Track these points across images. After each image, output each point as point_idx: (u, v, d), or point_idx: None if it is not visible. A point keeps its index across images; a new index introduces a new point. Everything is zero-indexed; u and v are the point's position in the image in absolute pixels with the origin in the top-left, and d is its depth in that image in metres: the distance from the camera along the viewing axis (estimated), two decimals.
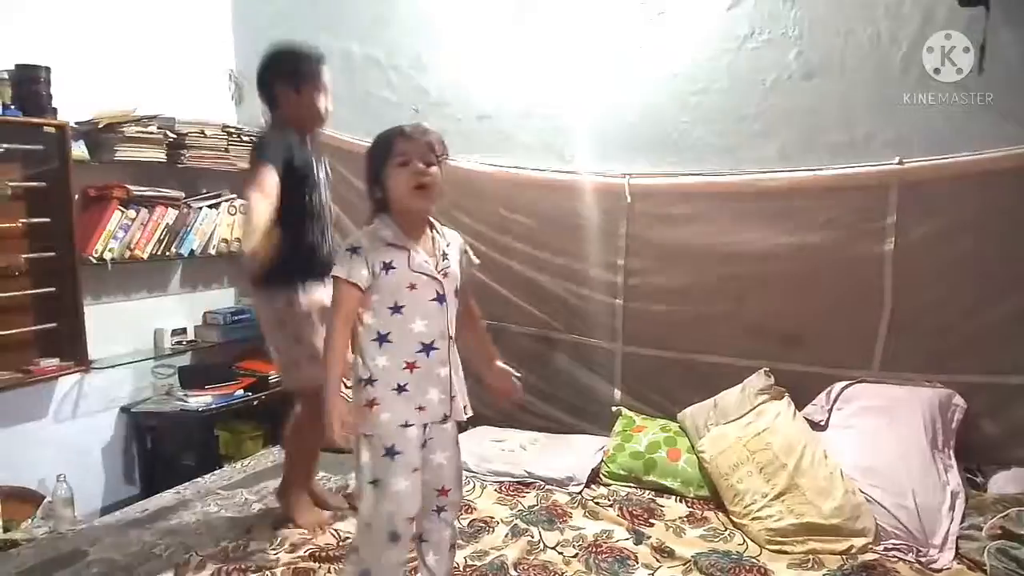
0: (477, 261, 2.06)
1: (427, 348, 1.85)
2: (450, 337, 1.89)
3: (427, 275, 1.86)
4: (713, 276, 3.06)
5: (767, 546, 2.43)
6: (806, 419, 2.81)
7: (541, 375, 3.36)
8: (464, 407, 1.95)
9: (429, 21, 3.50)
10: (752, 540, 2.48)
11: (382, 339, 1.84)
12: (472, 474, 2.94)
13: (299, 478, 2.68)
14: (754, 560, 2.35)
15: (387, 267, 1.82)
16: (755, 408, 2.81)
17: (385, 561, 1.88)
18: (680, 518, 2.65)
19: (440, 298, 1.87)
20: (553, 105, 3.30)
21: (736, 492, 2.62)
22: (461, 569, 2.29)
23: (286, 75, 2.44)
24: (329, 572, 2.29)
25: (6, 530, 2.66)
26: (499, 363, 2.11)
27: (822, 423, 2.81)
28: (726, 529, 2.57)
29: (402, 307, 1.83)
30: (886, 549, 2.36)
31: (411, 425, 1.85)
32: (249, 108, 3.85)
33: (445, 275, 1.88)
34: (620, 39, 3.15)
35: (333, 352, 1.84)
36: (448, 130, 3.35)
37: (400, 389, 1.84)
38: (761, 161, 2.95)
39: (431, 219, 1.95)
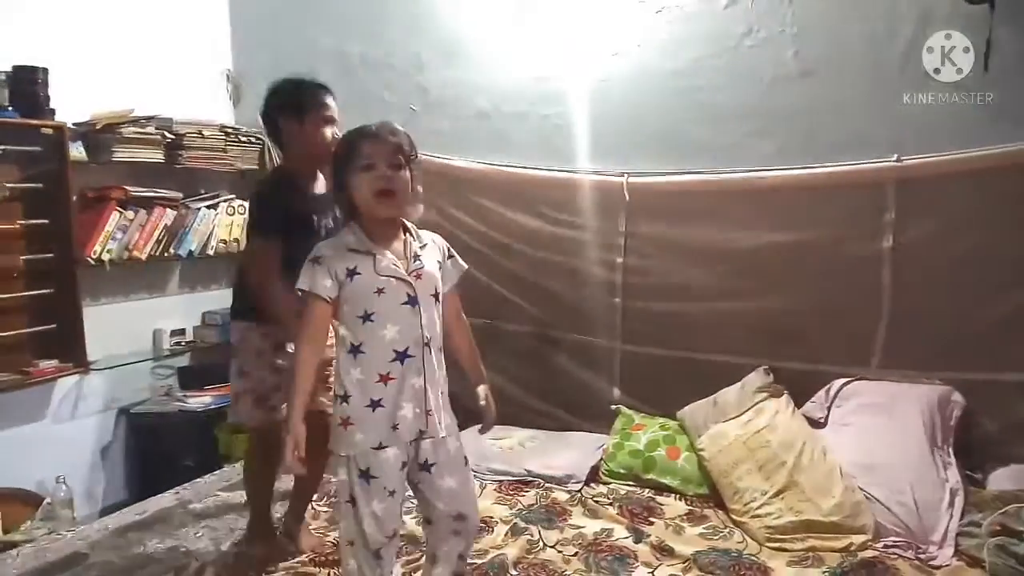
0: (465, 266, 1.97)
1: (401, 356, 1.75)
2: (426, 344, 1.78)
3: (396, 278, 1.76)
4: (712, 274, 3.07)
5: (766, 544, 2.43)
6: (805, 417, 2.81)
7: (540, 373, 3.37)
8: (441, 424, 1.83)
9: (427, 20, 3.49)
10: (752, 538, 2.48)
11: (355, 351, 1.75)
12: (471, 472, 2.94)
13: (260, 516, 2.50)
14: (754, 558, 2.35)
15: (351, 273, 1.74)
16: (754, 406, 2.81)
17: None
18: (680, 516, 2.65)
19: (412, 300, 1.76)
20: (552, 104, 3.30)
21: (735, 490, 2.62)
22: None
23: (288, 106, 2.32)
24: None
25: (5, 532, 2.66)
26: (481, 389, 1.99)
27: (821, 420, 2.81)
28: (725, 527, 2.57)
29: (372, 314, 1.74)
30: (885, 546, 2.36)
31: (386, 447, 1.77)
32: (247, 108, 3.85)
33: (418, 276, 1.79)
34: (619, 37, 3.15)
35: (298, 371, 1.76)
36: (446, 129, 3.42)
37: (375, 405, 1.75)
38: (759, 159, 2.95)
39: (405, 222, 1.86)
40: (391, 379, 1.75)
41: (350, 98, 3.47)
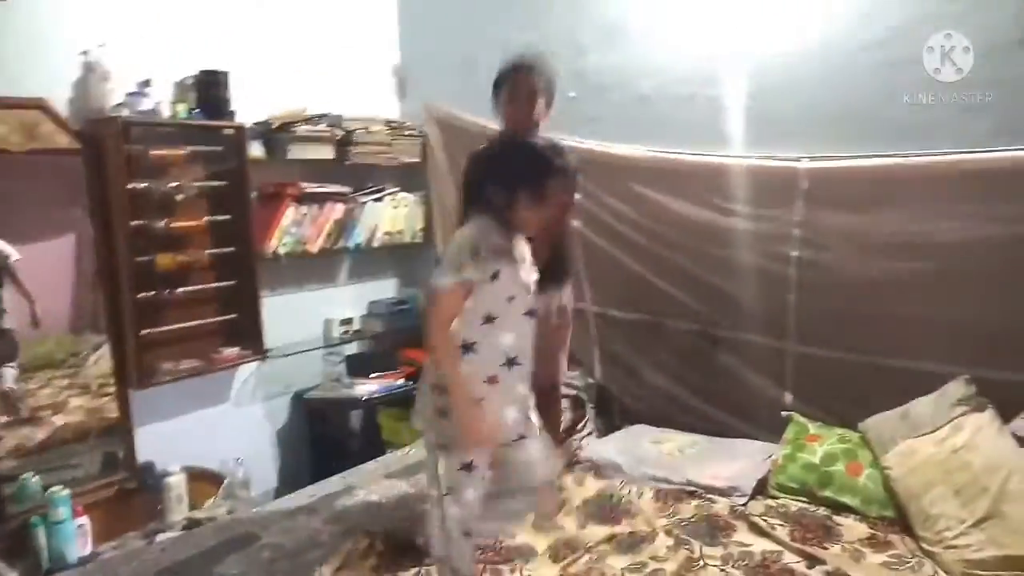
0: None
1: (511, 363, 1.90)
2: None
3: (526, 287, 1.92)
4: (905, 270, 2.74)
5: None
6: (1014, 435, 2.45)
7: (703, 373, 3.19)
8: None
9: (589, 2, 3.38)
10: (944, 571, 2.20)
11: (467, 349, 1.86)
12: (627, 476, 2.84)
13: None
14: None
15: (495, 276, 1.84)
16: (952, 421, 2.49)
17: (463, 554, 1.97)
18: (860, 540, 2.39)
19: (532, 312, 1.92)
20: (721, 84, 3.08)
21: (927, 516, 2.34)
22: None
23: (494, 86, 2.64)
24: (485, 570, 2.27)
25: (191, 508, 2.88)
26: None
27: None
28: (913, 556, 2.29)
29: (495, 319, 1.86)
30: None
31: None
32: (411, 101, 3.92)
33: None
34: (800, 8, 2.89)
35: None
36: (606, 115, 3.30)
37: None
38: (967, 139, 2.59)
39: None
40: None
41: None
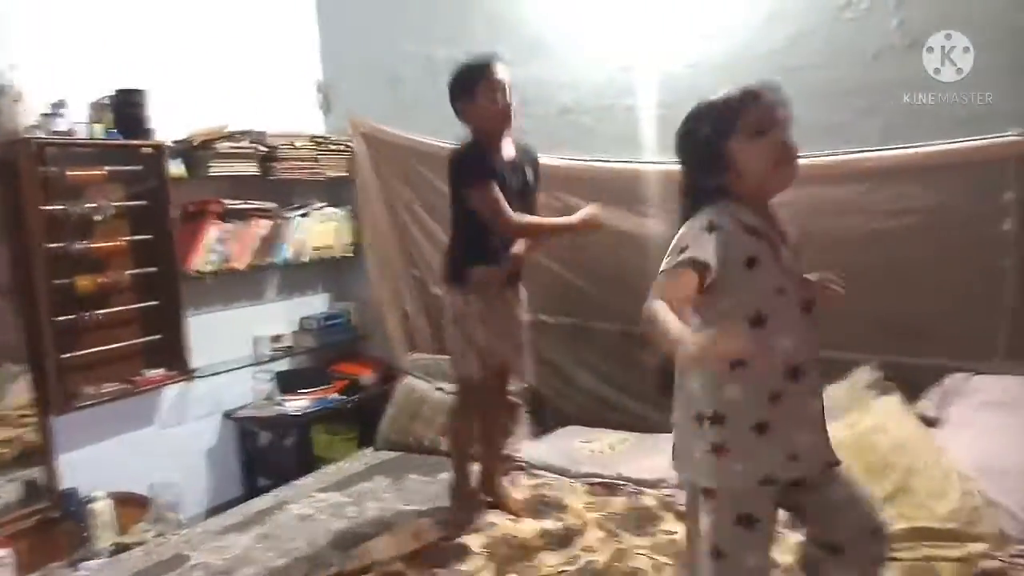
0: None
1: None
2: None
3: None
4: (815, 264, 2.87)
5: None
6: (918, 416, 2.60)
7: (631, 373, 3.27)
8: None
9: (510, 18, 3.46)
10: None
11: (737, 363, 1.42)
12: (560, 475, 2.90)
13: (460, 471, 2.74)
14: None
15: (751, 262, 1.44)
16: (862, 405, 2.62)
17: None
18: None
19: (809, 305, 1.52)
20: (636, 95, 3.20)
21: None
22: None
23: (460, 88, 2.56)
24: None
25: (119, 533, 2.82)
26: None
27: (936, 420, 2.59)
28: None
29: (766, 319, 1.44)
30: (1011, 555, 2.14)
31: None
32: (336, 116, 3.94)
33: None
34: (707, 19, 3.03)
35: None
36: (529, 127, 3.36)
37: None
38: (863, 139, 2.76)
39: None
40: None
41: (436, 100, 3.53)
